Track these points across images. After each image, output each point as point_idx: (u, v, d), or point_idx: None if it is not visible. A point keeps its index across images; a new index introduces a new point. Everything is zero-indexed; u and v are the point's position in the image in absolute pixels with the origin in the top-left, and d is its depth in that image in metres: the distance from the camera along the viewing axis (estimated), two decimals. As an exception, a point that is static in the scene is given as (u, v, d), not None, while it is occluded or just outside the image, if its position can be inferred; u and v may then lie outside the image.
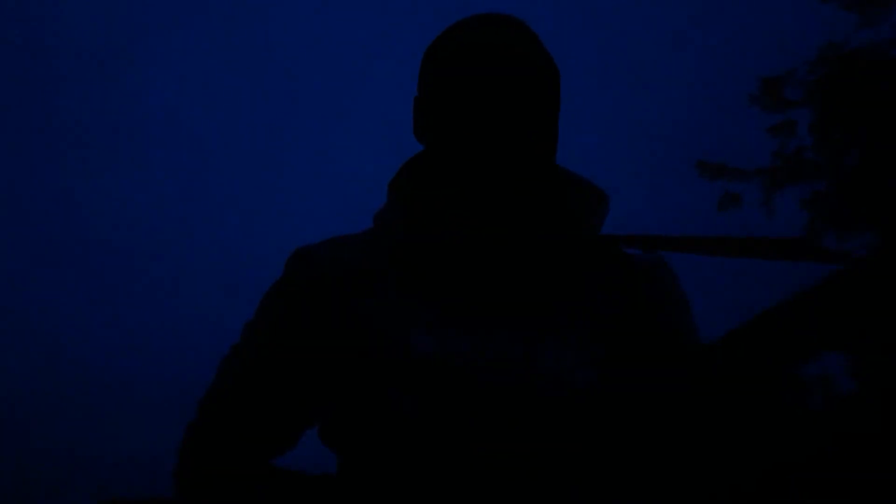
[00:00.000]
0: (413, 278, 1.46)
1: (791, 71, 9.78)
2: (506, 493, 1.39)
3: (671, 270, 1.53)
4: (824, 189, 9.58)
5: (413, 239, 1.48)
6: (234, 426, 1.51)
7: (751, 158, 9.96)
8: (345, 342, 1.45)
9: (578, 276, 1.48)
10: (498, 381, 1.40)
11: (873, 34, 9.53)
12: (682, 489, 1.47)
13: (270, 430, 1.51)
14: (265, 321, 1.52)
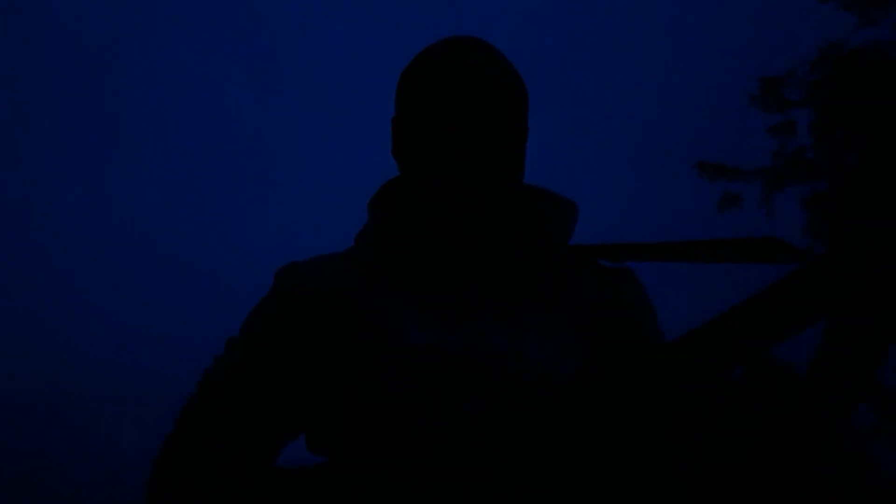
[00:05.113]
0: (399, 282, 1.53)
1: (791, 71, 9.80)
2: (498, 477, 1.45)
3: (639, 280, 1.63)
4: (824, 189, 9.59)
5: (395, 246, 1.55)
6: (215, 438, 1.51)
7: (751, 158, 9.97)
8: (340, 343, 1.49)
9: (556, 279, 1.56)
10: (488, 371, 1.47)
11: (873, 34, 9.54)
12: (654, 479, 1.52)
13: (253, 441, 1.52)
14: (255, 333, 1.55)
